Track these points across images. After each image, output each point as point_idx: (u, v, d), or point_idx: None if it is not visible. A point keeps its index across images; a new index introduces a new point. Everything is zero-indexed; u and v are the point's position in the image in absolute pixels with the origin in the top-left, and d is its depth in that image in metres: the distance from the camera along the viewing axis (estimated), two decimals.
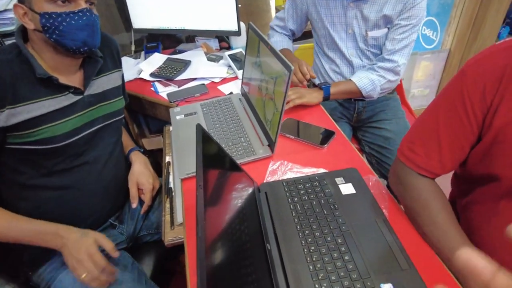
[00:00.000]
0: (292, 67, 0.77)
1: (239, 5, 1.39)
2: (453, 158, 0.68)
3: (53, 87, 0.82)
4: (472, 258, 0.29)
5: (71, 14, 0.77)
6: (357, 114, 1.33)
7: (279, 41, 1.37)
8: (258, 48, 1.00)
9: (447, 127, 0.66)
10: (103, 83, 0.95)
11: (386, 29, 1.17)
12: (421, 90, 2.25)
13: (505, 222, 0.60)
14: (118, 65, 1.04)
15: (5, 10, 1.19)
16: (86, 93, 0.89)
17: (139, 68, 1.46)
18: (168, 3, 1.49)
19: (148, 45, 1.65)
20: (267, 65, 0.94)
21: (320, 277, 0.62)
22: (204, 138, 0.64)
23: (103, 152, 0.97)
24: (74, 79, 0.89)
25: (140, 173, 1.05)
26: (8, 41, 1.19)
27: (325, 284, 0.61)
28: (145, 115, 1.77)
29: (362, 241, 0.68)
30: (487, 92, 0.60)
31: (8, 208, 0.83)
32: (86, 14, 0.79)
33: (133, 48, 1.71)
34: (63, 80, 0.84)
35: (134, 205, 1.02)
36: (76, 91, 0.87)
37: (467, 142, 0.66)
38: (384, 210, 0.74)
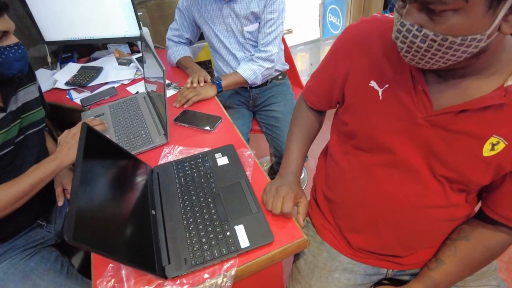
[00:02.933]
0: (164, 67, 0.95)
1: (140, 13, 1.53)
2: (321, 101, 0.91)
3: None
4: None
5: (8, 48, 0.91)
6: (252, 100, 1.55)
7: (177, 51, 1.55)
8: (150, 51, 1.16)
9: (322, 73, 0.87)
10: (21, 98, 1.06)
11: (257, 24, 1.39)
12: (305, 78, 2.53)
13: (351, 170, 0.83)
14: (32, 79, 1.14)
15: None
16: (8, 110, 1.00)
17: (54, 78, 1.56)
18: (72, 15, 1.59)
19: (63, 56, 1.74)
20: (152, 66, 1.11)
21: (191, 228, 0.81)
22: (88, 133, 0.80)
23: (30, 159, 1.07)
24: None
25: (64, 174, 1.16)
26: None
27: (194, 232, 0.80)
28: (66, 122, 1.86)
29: (227, 197, 0.88)
30: (347, 53, 0.76)
31: None
32: (21, 47, 0.94)
33: (49, 60, 1.78)
34: None
35: (60, 203, 1.14)
36: None
37: (332, 92, 0.84)
38: (248, 173, 0.95)
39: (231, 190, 0.90)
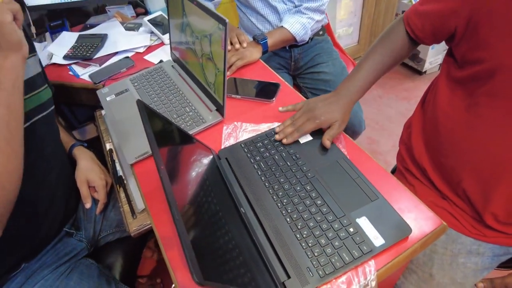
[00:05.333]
0: (227, 20, 0.72)
1: None
2: (428, 30, 0.73)
3: None
4: None
5: None
6: (294, 62, 1.33)
7: None
8: (182, 6, 0.91)
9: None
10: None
11: None
12: (346, 29, 2.31)
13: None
14: (31, 49, 0.88)
15: None
16: None
17: (49, 51, 1.27)
18: None
19: (52, 25, 1.43)
20: (197, 23, 0.87)
21: (299, 227, 0.63)
22: (149, 114, 0.58)
23: (43, 153, 0.84)
24: None
25: (89, 169, 0.94)
26: None
27: (305, 232, 0.62)
28: (68, 104, 1.59)
29: (330, 183, 0.70)
30: None
31: None
32: None
33: (33, 30, 1.47)
34: None
35: (88, 205, 0.93)
36: None
37: (448, 22, 0.67)
38: (342, 150, 0.76)
39: (331, 173, 0.72)
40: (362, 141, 1.29)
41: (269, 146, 0.79)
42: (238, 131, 0.85)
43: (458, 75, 0.69)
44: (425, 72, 2.38)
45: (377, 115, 2.15)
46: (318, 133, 0.79)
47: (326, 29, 1.39)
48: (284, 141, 0.78)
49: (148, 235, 0.93)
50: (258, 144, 0.80)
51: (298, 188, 0.69)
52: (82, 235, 0.96)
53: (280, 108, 0.84)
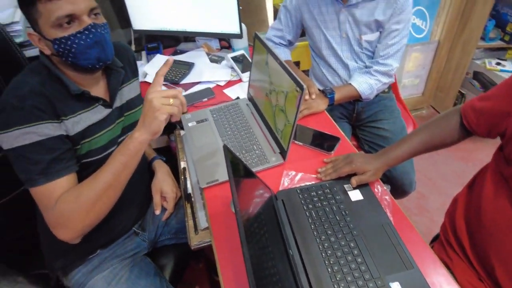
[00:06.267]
0: (305, 86, 0.84)
1: (241, 7, 1.42)
2: (481, 126, 0.79)
3: (85, 100, 0.87)
4: None
5: (77, 35, 0.78)
6: (356, 115, 1.42)
7: (278, 54, 1.42)
8: (266, 59, 1.06)
9: (496, 100, 0.76)
10: (125, 94, 0.99)
11: (378, 33, 1.24)
12: (412, 80, 2.35)
13: None
14: (136, 74, 1.08)
15: (12, 23, 1.20)
16: (114, 106, 0.94)
17: (144, 71, 1.49)
18: (168, 5, 1.51)
19: (149, 46, 1.67)
20: (276, 78, 1.00)
21: (338, 278, 0.72)
22: (231, 159, 0.72)
23: None
24: (99, 91, 0.92)
25: (164, 181, 1.11)
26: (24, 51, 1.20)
27: (342, 285, 0.71)
28: None
29: (372, 244, 0.78)
30: None
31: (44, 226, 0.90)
32: (91, 31, 0.79)
33: (133, 48, 1.72)
34: (92, 92, 0.88)
35: (158, 212, 1.09)
36: (104, 103, 0.91)
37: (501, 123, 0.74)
38: (389, 215, 0.84)
39: (374, 235, 0.80)
40: (411, 195, 1.33)
41: (322, 197, 0.89)
42: (296, 177, 0.96)
43: (506, 172, 0.74)
44: None
45: (431, 170, 2.14)
46: (368, 195, 0.88)
47: (391, 87, 1.47)
48: (323, 178, 0.94)
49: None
50: (313, 193, 0.90)
51: (343, 243, 0.78)
52: (145, 236, 1.12)
53: (325, 160, 1.00)
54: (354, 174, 0.91)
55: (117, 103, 0.96)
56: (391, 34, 1.20)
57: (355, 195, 0.89)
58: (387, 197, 0.89)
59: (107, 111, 0.92)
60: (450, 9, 2.13)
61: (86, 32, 0.79)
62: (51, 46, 0.79)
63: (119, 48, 1.01)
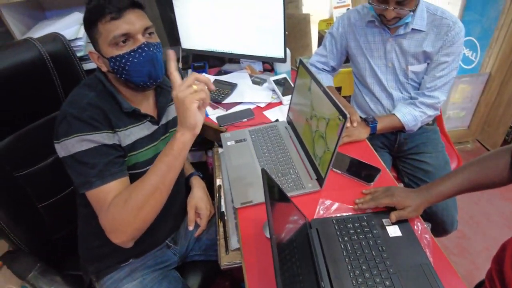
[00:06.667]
0: (348, 115, 0.84)
1: (286, 33, 1.46)
2: None
3: (135, 116, 0.92)
4: None
5: (131, 53, 0.82)
6: (398, 146, 1.38)
7: (320, 80, 1.43)
8: (309, 85, 1.07)
9: None
10: (172, 111, 1.04)
11: (426, 64, 1.22)
12: (457, 112, 2.25)
13: None
14: None
15: (76, 39, 1.31)
16: (160, 123, 0.98)
17: None
18: (217, 28, 1.57)
19: (195, 65, 1.75)
20: (319, 104, 1.01)
21: None
22: (268, 183, 0.72)
23: None
24: (148, 108, 0.97)
25: (199, 198, 1.14)
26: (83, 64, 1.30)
27: None
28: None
29: (408, 285, 0.74)
30: None
31: (85, 223, 0.94)
32: (144, 49, 0.84)
33: (180, 65, 1.81)
34: (142, 109, 0.93)
35: (191, 227, 1.11)
36: (152, 119, 0.96)
37: None
38: (428, 255, 0.80)
39: (412, 275, 0.76)
40: (451, 235, 1.25)
41: (358, 230, 0.86)
42: (333, 206, 0.94)
43: None
44: None
45: (474, 209, 2.01)
46: (407, 232, 0.84)
47: (436, 119, 1.42)
48: (360, 205, 0.92)
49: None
50: (349, 225, 0.88)
51: (377, 280, 0.75)
52: (177, 250, 1.14)
53: (364, 191, 0.97)
54: (394, 209, 0.88)
55: (164, 120, 1.00)
56: (439, 66, 1.17)
57: (394, 231, 0.86)
58: (427, 236, 0.85)
59: (154, 127, 0.96)
60: (505, 41, 2.04)
61: (139, 51, 0.83)
62: (108, 64, 0.85)
63: None
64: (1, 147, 0.99)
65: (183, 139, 0.78)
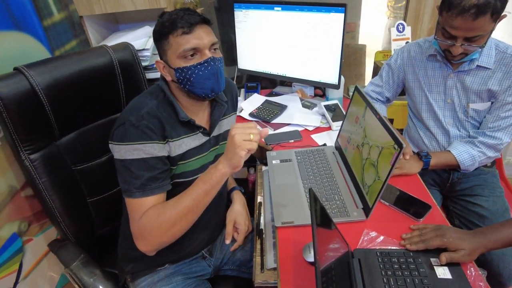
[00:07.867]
0: (404, 145, 0.81)
1: (342, 60, 1.47)
2: None
3: (189, 126, 0.96)
4: None
5: (198, 66, 0.87)
6: (450, 184, 1.30)
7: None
8: (364, 111, 1.05)
9: None
10: (223, 125, 1.07)
11: (489, 103, 1.16)
12: None
13: None
14: (235, 108, 1.16)
15: (143, 49, 1.42)
16: (211, 135, 1.02)
17: (240, 106, 1.60)
18: (274, 51, 1.62)
19: (248, 85, 1.80)
20: (373, 132, 0.99)
21: None
22: (314, 204, 0.71)
23: None
24: (202, 120, 1.01)
25: (239, 213, 1.14)
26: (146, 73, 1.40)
27: None
28: None
29: None
30: None
31: (128, 222, 0.98)
32: (210, 63, 0.88)
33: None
34: (196, 121, 0.97)
35: (228, 241, 1.12)
36: (204, 131, 0.99)
37: None
38: None
39: None
40: None
41: (403, 266, 0.82)
42: (378, 239, 0.90)
43: None
44: None
45: None
46: (459, 276, 0.78)
47: (495, 162, 1.33)
48: (408, 246, 0.86)
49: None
50: (394, 259, 0.83)
51: None
52: (212, 261, 1.15)
53: (412, 226, 0.93)
54: (444, 249, 0.82)
55: (215, 132, 1.04)
56: (505, 106, 1.11)
57: (443, 272, 0.80)
58: (481, 284, 0.78)
59: (205, 139, 1.00)
60: None
61: (205, 64, 0.88)
62: (173, 74, 0.90)
63: (227, 83, 1.11)
64: (65, 142, 1.07)
65: (223, 172, 0.83)
